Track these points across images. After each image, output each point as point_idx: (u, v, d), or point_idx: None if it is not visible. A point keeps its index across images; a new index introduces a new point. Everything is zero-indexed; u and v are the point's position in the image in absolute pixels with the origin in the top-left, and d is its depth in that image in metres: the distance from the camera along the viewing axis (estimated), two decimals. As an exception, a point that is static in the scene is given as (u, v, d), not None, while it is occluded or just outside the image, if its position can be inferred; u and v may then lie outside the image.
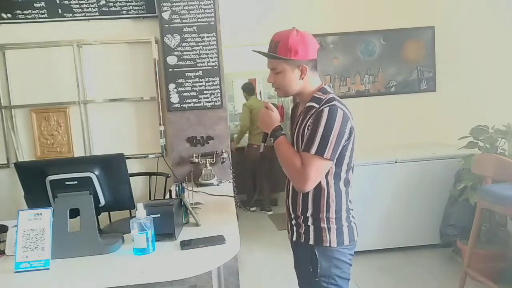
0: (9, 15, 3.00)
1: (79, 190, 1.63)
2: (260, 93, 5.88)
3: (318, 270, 1.53)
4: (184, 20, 2.92)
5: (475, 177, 2.89)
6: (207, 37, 2.94)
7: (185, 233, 1.78)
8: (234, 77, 5.70)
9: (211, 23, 2.92)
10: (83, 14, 3.03)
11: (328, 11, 4.07)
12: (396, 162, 3.37)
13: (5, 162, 3.12)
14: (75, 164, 1.73)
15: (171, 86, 2.97)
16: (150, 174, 2.98)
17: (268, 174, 4.89)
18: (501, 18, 3.74)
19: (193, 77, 2.97)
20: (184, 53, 2.95)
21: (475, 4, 3.92)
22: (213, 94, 2.98)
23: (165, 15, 2.91)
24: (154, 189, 2.92)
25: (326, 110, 1.44)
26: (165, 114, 3.08)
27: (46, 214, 1.57)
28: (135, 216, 1.59)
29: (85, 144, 3.12)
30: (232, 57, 4.58)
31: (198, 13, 2.91)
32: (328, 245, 1.53)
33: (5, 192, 3.10)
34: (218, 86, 2.99)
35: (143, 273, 1.43)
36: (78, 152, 3.14)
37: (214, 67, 2.97)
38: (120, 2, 3.04)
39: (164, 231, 1.69)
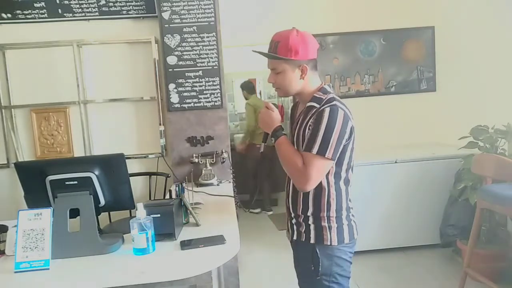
0: (9, 15, 3.00)
1: (79, 190, 1.63)
2: (260, 93, 5.87)
3: (320, 269, 1.53)
4: (184, 20, 2.92)
5: (475, 177, 2.89)
6: (207, 37, 2.94)
7: (185, 233, 1.78)
8: (234, 77, 5.70)
9: (211, 23, 2.92)
10: (83, 14, 3.03)
11: (328, 11, 4.07)
12: (396, 162, 3.37)
13: (5, 162, 3.12)
14: (75, 164, 1.73)
15: (171, 86, 2.97)
16: (150, 174, 2.98)
17: (268, 174, 4.88)
18: (501, 18, 3.74)
19: (193, 77, 2.97)
20: (184, 53, 2.95)
21: (475, 4, 3.92)
22: (213, 94, 2.98)
23: (165, 15, 2.91)
24: (154, 189, 2.92)
25: (327, 110, 1.45)
26: (165, 114, 3.08)
27: (46, 214, 1.57)
28: (135, 216, 1.59)
29: (85, 144, 3.12)
30: (232, 57, 4.58)
31: (198, 13, 2.91)
32: (329, 243, 1.54)
33: (5, 192, 3.10)
34: (218, 86, 2.99)
35: (143, 273, 1.43)
36: (78, 152, 3.14)
37: (214, 67, 2.97)
38: (120, 2, 3.04)
39: (164, 231, 1.69)
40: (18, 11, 3.00)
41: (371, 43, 4.13)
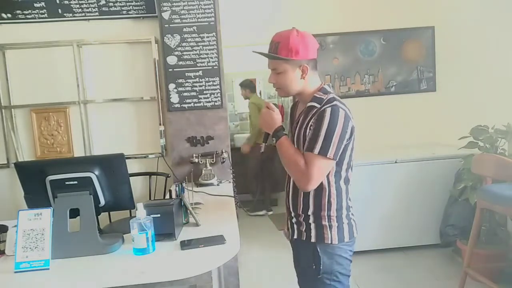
0: (9, 15, 3.00)
1: (79, 190, 1.63)
2: (260, 93, 5.87)
3: (321, 267, 1.54)
4: (184, 20, 2.92)
5: (475, 177, 2.89)
6: (207, 37, 2.94)
7: (185, 233, 1.78)
8: (234, 77, 5.70)
9: (211, 23, 2.92)
10: (83, 14, 3.03)
11: (328, 11, 4.07)
12: (396, 162, 3.37)
13: (5, 162, 3.11)
14: (75, 164, 1.73)
15: (171, 86, 2.97)
16: (150, 174, 2.98)
17: (269, 174, 4.88)
18: (501, 18, 3.75)
19: (193, 77, 2.97)
20: (184, 53, 2.95)
21: (475, 4, 3.93)
22: (213, 94, 2.98)
23: (165, 15, 2.91)
24: (154, 189, 2.92)
25: (328, 110, 1.46)
26: (165, 114, 3.08)
27: (46, 214, 1.57)
28: (135, 216, 1.59)
29: (85, 144, 3.12)
30: (232, 57, 4.58)
31: (198, 13, 2.91)
32: (329, 242, 1.55)
33: (5, 192, 3.10)
34: (218, 86, 2.99)
35: (143, 273, 1.43)
36: (78, 152, 3.14)
37: (214, 67, 2.97)
38: (120, 2, 3.04)
39: (164, 231, 1.69)
40: (18, 11, 3.00)
41: (371, 43, 4.14)
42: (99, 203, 1.70)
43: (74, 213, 1.64)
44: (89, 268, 1.52)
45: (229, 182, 2.89)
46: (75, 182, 1.64)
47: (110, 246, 1.63)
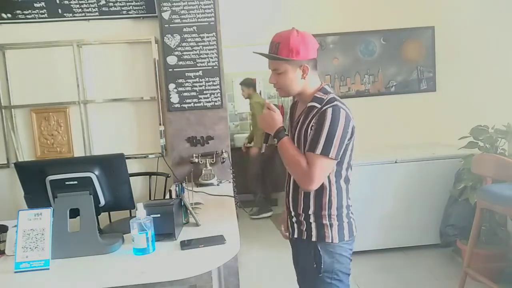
0: (9, 15, 3.00)
1: (79, 190, 1.63)
2: (260, 93, 5.86)
3: (322, 266, 1.55)
4: (184, 20, 2.92)
5: (475, 177, 2.89)
6: (207, 37, 2.94)
7: (185, 233, 1.78)
8: (234, 77, 5.69)
9: (211, 23, 2.92)
10: (83, 14, 3.03)
11: (328, 11, 4.06)
12: (396, 162, 3.37)
13: (5, 162, 3.11)
14: (75, 164, 1.73)
15: (171, 86, 2.97)
16: (150, 174, 2.98)
17: (269, 174, 4.87)
18: (501, 18, 3.75)
19: (193, 77, 2.97)
20: (184, 53, 2.95)
21: (475, 4, 3.93)
22: (213, 94, 2.98)
23: (165, 15, 2.91)
24: (154, 189, 2.92)
25: (329, 111, 1.46)
26: (165, 114, 3.08)
27: (46, 214, 1.57)
28: (135, 216, 1.59)
29: (85, 144, 3.12)
30: (232, 57, 4.58)
31: (198, 13, 2.91)
32: (330, 241, 1.55)
33: (5, 192, 3.10)
34: (218, 86, 2.98)
35: (143, 273, 1.43)
36: (78, 152, 3.14)
37: (214, 67, 2.97)
38: (120, 2, 3.04)
39: (164, 231, 1.69)
40: (18, 11, 3.00)
41: (371, 43, 4.13)
42: (99, 203, 1.70)
43: (74, 213, 1.64)
44: (89, 268, 1.52)
45: (229, 182, 2.89)
46: (75, 182, 1.64)
47: (110, 246, 1.63)
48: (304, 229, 1.60)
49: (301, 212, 1.60)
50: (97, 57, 3.12)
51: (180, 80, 2.97)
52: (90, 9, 3.03)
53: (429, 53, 4.16)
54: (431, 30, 4.13)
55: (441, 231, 3.35)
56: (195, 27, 2.93)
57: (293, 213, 1.64)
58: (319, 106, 1.52)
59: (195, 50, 2.94)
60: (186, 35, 2.93)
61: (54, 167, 1.68)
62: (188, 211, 1.91)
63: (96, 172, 1.66)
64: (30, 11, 3.00)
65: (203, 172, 2.85)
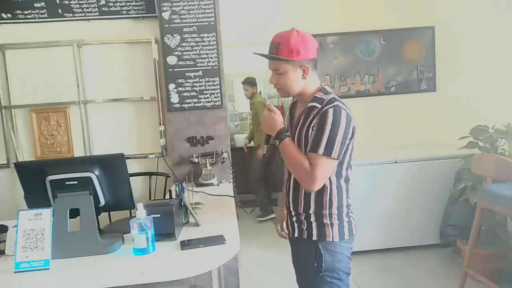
0: (9, 15, 3.00)
1: (79, 190, 1.63)
2: (260, 93, 5.86)
3: (323, 265, 1.55)
4: (184, 20, 2.92)
5: (475, 177, 2.89)
6: (207, 37, 2.94)
7: (185, 233, 1.78)
8: (234, 77, 5.69)
9: (211, 23, 2.92)
10: (83, 14, 3.03)
11: (328, 11, 4.07)
12: (396, 162, 3.37)
13: (5, 162, 3.11)
14: (75, 164, 1.73)
15: (171, 86, 2.97)
16: (150, 174, 2.98)
17: (271, 174, 4.86)
18: (501, 18, 3.75)
19: (193, 77, 2.97)
20: (184, 53, 2.95)
21: (475, 4, 3.93)
22: (213, 94, 2.98)
23: (165, 15, 2.91)
24: (154, 189, 2.92)
25: (331, 111, 1.47)
26: (165, 114, 3.08)
27: (46, 214, 1.57)
28: (135, 216, 1.59)
29: (85, 144, 3.12)
30: (232, 57, 4.58)
31: (198, 13, 2.91)
32: (331, 240, 1.56)
33: (5, 192, 3.10)
34: (218, 86, 2.98)
35: (143, 273, 1.43)
36: (78, 152, 3.14)
37: (214, 67, 2.97)
38: (120, 2, 3.04)
39: (164, 231, 1.69)
40: (18, 11, 2.99)
41: (371, 43, 4.14)
42: (99, 203, 1.70)
43: (74, 213, 1.64)
44: (89, 268, 1.52)
45: (229, 182, 2.89)
46: (75, 182, 1.64)
47: (110, 246, 1.63)
48: (304, 228, 1.60)
49: (301, 211, 1.60)
50: (97, 57, 3.12)
51: (180, 80, 2.97)
52: (90, 9, 3.03)
53: (429, 53, 4.16)
54: (431, 30, 4.13)
55: (441, 231, 3.35)
56: (195, 27, 2.92)
57: (293, 213, 1.65)
58: (319, 106, 1.52)
59: (195, 50, 2.94)
60: (186, 35, 2.93)
61: (54, 167, 1.68)
62: (188, 211, 1.91)
63: (96, 172, 1.66)
64: (30, 11, 3.00)
65: (203, 172, 2.85)
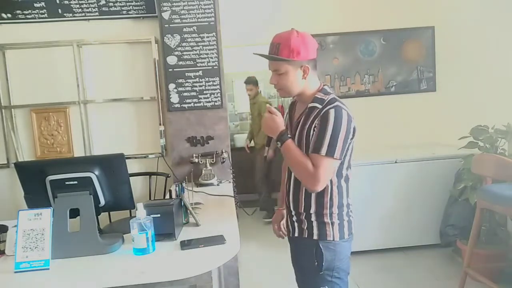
0: (9, 15, 3.00)
1: (79, 190, 1.63)
2: (260, 93, 5.86)
3: (323, 264, 1.56)
4: (184, 20, 2.92)
5: (475, 177, 2.89)
6: (207, 37, 2.94)
7: (185, 233, 1.78)
8: (234, 77, 5.69)
9: (211, 23, 2.92)
10: (83, 14, 3.03)
11: (328, 11, 4.07)
12: (396, 162, 3.37)
13: (5, 162, 3.11)
14: (75, 164, 1.73)
15: (171, 86, 2.97)
16: (150, 174, 2.98)
17: (272, 174, 4.85)
18: (501, 18, 3.75)
19: (193, 77, 2.97)
20: (184, 53, 2.95)
21: (475, 4, 3.93)
22: (213, 94, 2.98)
23: (165, 15, 2.91)
24: (154, 189, 2.92)
25: (332, 112, 1.47)
26: (165, 114, 3.08)
27: (46, 214, 1.57)
28: (135, 216, 1.59)
29: (85, 144, 3.12)
30: (232, 57, 4.58)
31: (198, 13, 2.91)
32: (331, 239, 1.57)
33: (5, 192, 3.10)
34: (218, 86, 2.98)
35: (143, 273, 1.43)
36: (78, 152, 3.14)
37: (214, 67, 2.97)
38: (120, 2, 3.04)
39: (164, 231, 1.69)
40: (18, 11, 2.99)
41: (371, 43, 4.14)
42: (99, 203, 1.70)
43: (74, 213, 1.64)
44: (89, 268, 1.52)
45: (229, 182, 2.89)
46: (75, 182, 1.64)
47: (110, 246, 1.63)
48: (305, 227, 1.60)
49: (302, 211, 1.61)
50: (97, 57, 3.12)
51: (180, 80, 2.97)
52: (90, 9, 3.03)
53: (429, 53, 4.16)
54: (431, 30, 4.13)
55: (441, 231, 3.35)
56: (195, 27, 2.93)
57: (293, 212, 1.65)
58: (320, 106, 1.52)
59: (195, 50, 2.94)
60: (186, 35, 2.93)
61: (54, 167, 1.68)
62: (188, 211, 1.91)
63: (96, 172, 1.66)
64: (30, 11, 3.00)
65: (203, 172, 2.85)
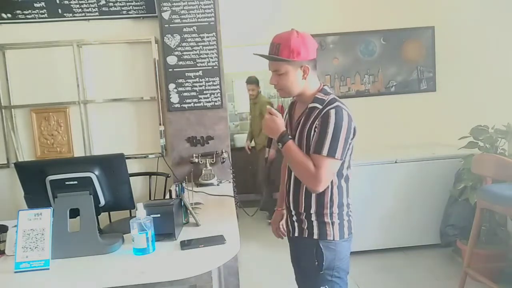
0: (9, 15, 3.00)
1: (79, 190, 1.63)
2: (261, 93, 5.86)
3: (324, 263, 1.56)
4: (184, 20, 2.92)
5: (475, 177, 2.89)
6: (207, 37, 2.94)
7: (185, 233, 1.78)
8: (234, 77, 5.69)
9: (211, 23, 2.92)
10: (83, 14, 3.03)
11: (328, 11, 4.07)
12: (396, 162, 3.37)
13: (5, 162, 3.11)
14: (75, 164, 1.73)
15: (171, 86, 2.97)
16: (150, 174, 2.98)
17: (273, 174, 4.84)
18: (501, 18, 3.75)
19: (193, 77, 2.97)
20: (184, 53, 2.95)
21: (475, 4, 3.93)
22: (213, 94, 2.98)
23: (165, 15, 2.91)
24: (154, 189, 2.92)
25: (333, 112, 1.48)
26: (165, 114, 3.08)
27: (46, 214, 1.57)
28: (135, 216, 1.59)
29: (85, 144, 3.12)
30: (232, 57, 4.58)
31: (198, 13, 2.91)
32: (332, 238, 1.57)
33: (5, 192, 3.10)
34: (218, 86, 2.98)
35: (143, 273, 1.43)
36: (78, 152, 3.14)
37: (214, 67, 2.97)
38: (120, 2, 3.04)
39: (164, 231, 1.69)
40: (18, 11, 2.99)
41: (371, 43, 4.14)
42: (99, 203, 1.70)
43: (74, 213, 1.64)
44: (89, 268, 1.52)
45: (229, 182, 2.89)
46: (75, 182, 1.64)
47: (110, 246, 1.63)
48: (305, 227, 1.61)
49: (302, 211, 1.61)
50: (97, 57, 3.12)
51: (180, 80, 2.97)
52: (90, 9, 3.03)
53: (429, 53, 4.16)
54: (431, 30, 4.13)
55: (441, 231, 3.35)
56: (195, 27, 2.92)
57: (293, 212, 1.65)
58: (320, 107, 1.53)
59: (195, 50, 2.94)
60: (186, 35, 2.93)
61: (54, 167, 1.68)
62: (188, 211, 1.91)
63: (96, 172, 1.66)
64: (30, 11, 3.00)
65: (203, 172, 2.85)
